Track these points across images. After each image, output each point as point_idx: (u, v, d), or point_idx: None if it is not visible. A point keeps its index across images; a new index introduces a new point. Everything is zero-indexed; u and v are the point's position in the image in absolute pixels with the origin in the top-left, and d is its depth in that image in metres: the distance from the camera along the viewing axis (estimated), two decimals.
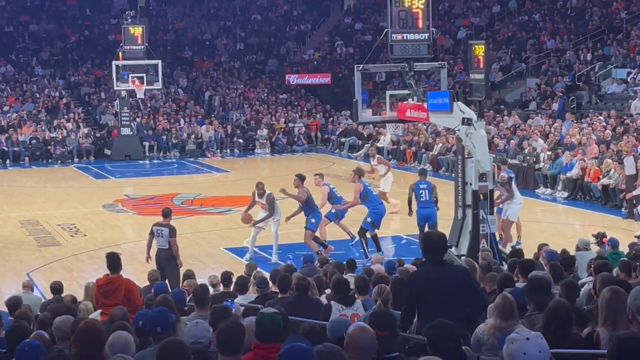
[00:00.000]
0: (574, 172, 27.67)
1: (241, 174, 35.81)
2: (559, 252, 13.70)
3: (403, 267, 12.71)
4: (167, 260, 16.40)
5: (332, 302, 10.08)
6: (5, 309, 11.52)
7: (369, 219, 19.77)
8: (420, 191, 20.17)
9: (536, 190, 29.09)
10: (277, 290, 11.60)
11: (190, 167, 38.59)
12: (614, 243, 14.87)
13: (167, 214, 16.92)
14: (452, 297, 8.34)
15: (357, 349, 6.16)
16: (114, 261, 11.60)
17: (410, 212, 20.71)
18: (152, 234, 16.66)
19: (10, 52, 52.26)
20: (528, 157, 30.30)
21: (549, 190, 28.80)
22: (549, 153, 29.62)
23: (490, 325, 7.63)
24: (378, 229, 19.99)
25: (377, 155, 23.46)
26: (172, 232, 16.52)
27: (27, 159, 39.80)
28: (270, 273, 13.73)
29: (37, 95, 46.89)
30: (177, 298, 10.43)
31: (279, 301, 10.48)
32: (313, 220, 19.94)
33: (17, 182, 34.45)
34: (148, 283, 14.14)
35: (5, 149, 39.97)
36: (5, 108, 44.67)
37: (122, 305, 10.06)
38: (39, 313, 11.39)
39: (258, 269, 15.02)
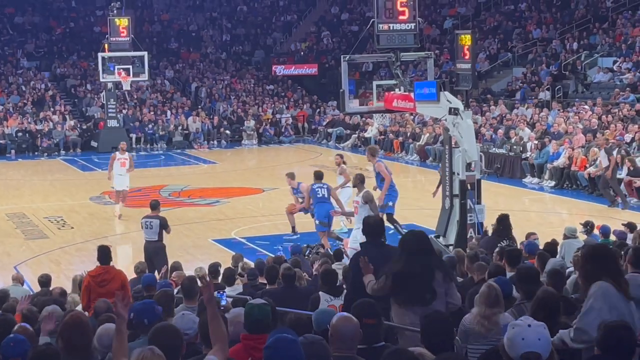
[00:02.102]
0: (561, 161, 27.73)
1: (228, 165, 35.79)
2: (548, 240, 13.74)
3: None
4: (156, 251, 16.55)
5: (320, 292, 10.09)
6: None
7: (390, 203, 19.26)
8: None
9: (523, 180, 29.16)
10: (265, 282, 11.61)
11: (177, 159, 38.53)
12: (605, 231, 14.91)
13: (155, 206, 17.16)
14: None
15: (341, 339, 6.17)
16: (104, 253, 11.70)
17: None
18: (141, 225, 16.89)
19: None
20: (515, 147, 30.36)
21: (535, 180, 28.86)
22: (536, 142, 29.69)
23: (476, 313, 7.66)
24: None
25: (342, 165, 21.98)
26: (164, 223, 16.74)
27: (13, 151, 39.69)
28: (255, 264, 13.75)
29: (23, 88, 46.71)
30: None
31: (267, 292, 10.49)
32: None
33: (3, 175, 34.34)
34: (135, 275, 14.11)
35: None
36: None
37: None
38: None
39: (245, 259, 15.03)
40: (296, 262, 13.47)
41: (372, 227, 9.45)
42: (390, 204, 19.34)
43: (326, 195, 19.52)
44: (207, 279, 9.51)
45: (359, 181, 17.78)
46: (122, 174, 24.64)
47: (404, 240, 8.77)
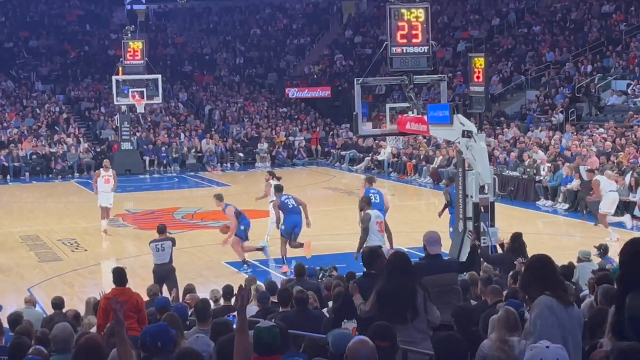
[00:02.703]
0: (575, 184, 27.65)
1: (242, 187, 35.78)
2: (563, 263, 13.67)
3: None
4: (168, 274, 16.77)
5: (332, 314, 10.08)
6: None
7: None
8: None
9: (537, 202, 29.07)
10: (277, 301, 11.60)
11: (190, 181, 38.59)
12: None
13: (163, 230, 17.54)
14: None
15: None
16: (120, 275, 11.74)
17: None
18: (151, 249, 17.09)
19: (10, 68, 52.39)
20: (528, 169, 30.29)
21: (549, 202, 28.77)
22: (549, 165, 29.61)
23: (495, 338, 7.62)
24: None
25: (270, 181, 22.43)
26: (173, 243, 17.24)
27: (27, 174, 39.82)
28: (265, 285, 13.73)
29: (38, 111, 46.95)
30: (179, 312, 10.42)
31: (279, 315, 10.47)
32: (242, 228, 20.14)
33: (17, 198, 34.44)
34: (147, 298, 14.09)
35: (6, 164, 39.99)
36: (6, 124, 44.71)
37: (132, 318, 10.18)
38: (40, 329, 11.36)
39: (258, 282, 15.01)
40: (299, 268, 13.61)
41: (363, 259, 9.77)
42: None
43: (295, 205, 20.30)
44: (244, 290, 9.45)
45: (365, 203, 17.63)
46: (107, 191, 25.65)
47: (389, 262, 9.02)
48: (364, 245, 16.05)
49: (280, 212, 20.54)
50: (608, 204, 23.44)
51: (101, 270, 20.76)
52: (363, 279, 9.52)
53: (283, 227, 20.32)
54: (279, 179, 22.47)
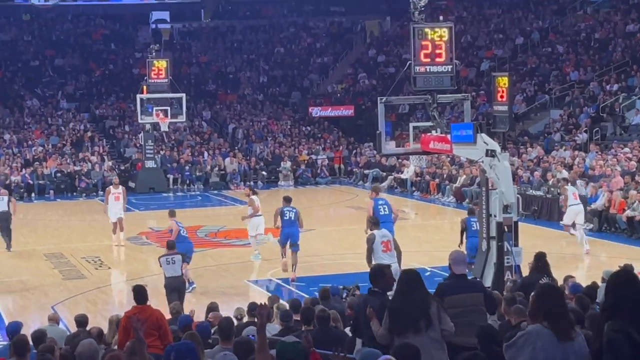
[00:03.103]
0: (600, 204, 27.51)
1: (264, 206, 35.79)
2: (587, 284, 13.60)
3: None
4: (180, 287, 17.43)
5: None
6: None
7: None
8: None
9: (561, 222, 28.90)
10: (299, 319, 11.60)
11: (213, 200, 38.67)
12: None
13: (172, 246, 18.01)
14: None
15: None
16: (140, 293, 11.75)
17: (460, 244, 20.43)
18: (160, 264, 17.56)
19: (36, 86, 52.79)
20: (552, 189, 30.16)
21: None
22: None
23: None
24: None
25: (252, 197, 23.81)
26: (184, 259, 17.92)
27: (52, 192, 40.03)
28: (289, 303, 13.73)
29: (62, 129, 47.23)
30: (201, 331, 10.43)
31: (302, 334, 10.46)
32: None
33: (42, 215, 34.62)
34: (170, 316, 14.12)
35: (31, 182, 40.23)
36: (31, 142, 45.00)
37: (153, 335, 10.20)
38: (64, 347, 11.40)
39: (281, 301, 15.01)
40: (324, 292, 13.59)
41: (369, 275, 9.64)
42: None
43: (293, 218, 21.28)
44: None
45: (372, 224, 17.80)
46: (117, 207, 26.77)
47: (399, 279, 9.05)
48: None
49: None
50: (570, 215, 24.41)
51: (124, 288, 20.81)
52: (368, 297, 9.54)
53: (279, 238, 21.47)
54: (255, 193, 24.29)
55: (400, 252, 18.20)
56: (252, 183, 42.81)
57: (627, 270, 5.99)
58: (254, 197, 23.80)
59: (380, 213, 20.25)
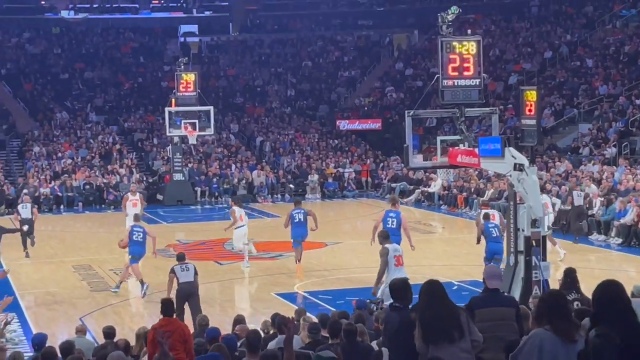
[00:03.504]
0: (629, 219, 27.34)
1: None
2: None
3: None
4: (192, 292, 17.81)
5: (383, 349, 10.02)
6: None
7: None
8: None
9: (589, 237, 28.77)
10: (327, 336, 11.55)
11: None
12: None
13: (183, 257, 18.46)
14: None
15: None
16: (167, 306, 11.79)
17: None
18: (173, 272, 17.90)
19: (65, 99, 53.16)
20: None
21: (602, 237, 28.48)
22: (602, 199, 29.32)
23: None
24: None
25: (233, 207, 25.42)
26: (195, 269, 18.15)
27: (80, 204, 40.25)
28: (318, 318, 13.71)
29: (91, 142, 47.52)
30: (228, 343, 10.44)
31: (329, 347, 10.44)
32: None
33: (70, 227, 34.82)
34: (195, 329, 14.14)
35: (60, 194, 40.49)
36: (60, 154, 45.30)
37: (179, 348, 10.23)
38: (91, 358, 11.45)
39: (307, 314, 14.99)
40: (360, 317, 13.39)
41: (391, 290, 9.50)
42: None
43: (302, 220, 23.19)
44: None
45: (383, 238, 17.82)
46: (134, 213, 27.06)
47: (422, 289, 8.90)
48: (382, 280, 16.99)
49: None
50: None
51: (152, 300, 20.85)
52: (391, 313, 9.44)
53: (292, 240, 23.34)
54: (237, 204, 25.70)
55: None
56: (279, 196, 42.92)
57: (611, 282, 6.14)
58: (235, 207, 25.12)
59: (388, 225, 20.81)
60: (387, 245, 17.35)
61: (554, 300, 6.58)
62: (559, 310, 6.49)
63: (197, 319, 14.53)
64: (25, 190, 35.97)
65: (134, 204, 27.94)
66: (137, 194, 29.22)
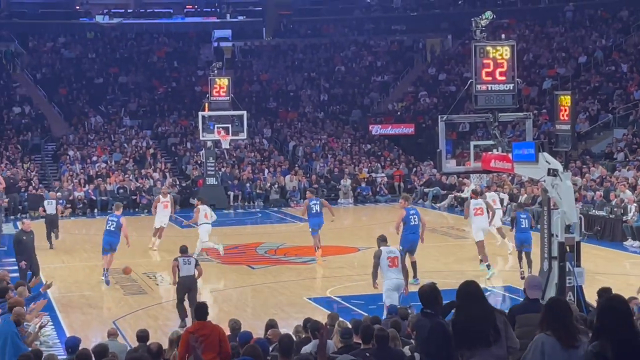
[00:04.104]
0: None
1: (324, 223, 35.86)
2: None
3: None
4: (193, 285, 19.18)
5: (415, 354, 10.00)
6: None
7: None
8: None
9: (624, 243, 28.56)
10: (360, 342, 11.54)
11: (273, 217, 38.79)
12: None
13: (184, 250, 19.67)
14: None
15: None
16: (201, 310, 11.85)
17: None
18: (176, 261, 19.20)
19: (99, 103, 53.50)
20: (615, 209, 29.79)
21: (637, 243, 28.25)
22: (637, 205, 29.09)
23: None
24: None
25: (199, 206, 27.37)
26: (196, 261, 19.60)
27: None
28: (351, 323, 13.70)
29: (125, 146, 47.78)
30: (261, 347, 10.44)
31: (361, 352, 10.43)
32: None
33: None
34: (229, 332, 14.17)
35: (94, 198, 40.74)
36: (94, 158, 45.59)
37: (214, 351, 10.31)
38: None
39: (340, 319, 14.98)
40: (395, 322, 13.37)
41: (421, 296, 9.28)
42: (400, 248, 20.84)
43: (319, 210, 25.99)
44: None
45: (380, 240, 18.16)
46: (165, 215, 29.39)
47: (459, 290, 8.80)
48: (378, 280, 17.88)
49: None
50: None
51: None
52: (422, 318, 9.32)
53: (310, 229, 26.02)
54: (204, 203, 27.31)
55: (407, 271, 18.69)
56: (351, 202, 42.92)
57: (615, 297, 6.45)
58: (200, 206, 26.97)
59: (411, 223, 21.76)
60: (381, 248, 17.76)
61: (555, 307, 6.95)
62: (558, 317, 6.83)
63: (230, 322, 14.55)
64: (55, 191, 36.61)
65: (165, 205, 29.31)
66: (168, 195, 30.59)
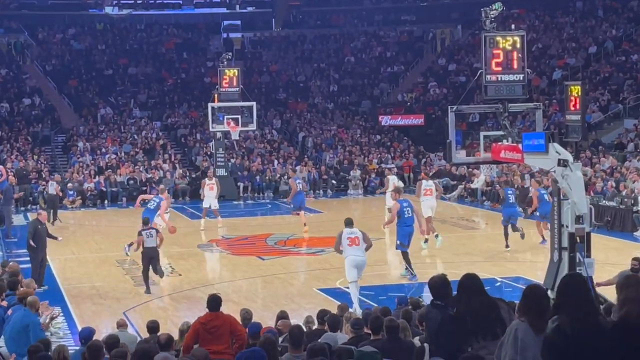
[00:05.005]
0: None
1: (334, 214, 35.81)
2: None
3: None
4: (155, 255, 21.63)
5: (425, 344, 9.99)
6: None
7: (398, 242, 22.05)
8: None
9: (634, 233, 28.49)
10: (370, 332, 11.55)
11: (283, 208, 38.75)
12: None
13: (146, 222, 22.30)
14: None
15: None
16: (214, 301, 11.91)
17: None
18: (140, 235, 21.75)
19: (109, 95, 53.55)
20: (626, 199, 29.72)
21: None
22: None
23: None
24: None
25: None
26: (157, 231, 22.13)
27: (124, 199, 40.48)
28: (362, 314, 13.71)
29: (135, 137, 47.83)
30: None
31: (371, 343, 10.44)
32: None
33: (114, 222, 35.08)
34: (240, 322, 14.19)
35: (104, 189, 40.82)
36: (104, 149, 45.66)
37: (227, 342, 10.40)
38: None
39: (350, 309, 15.00)
40: (406, 313, 13.37)
41: (431, 288, 9.31)
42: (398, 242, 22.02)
43: (302, 188, 30.23)
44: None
45: (346, 223, 19.45)
46: (211, 196, 31.67)
47: (460, 283, 8.84)
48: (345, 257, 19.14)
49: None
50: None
51: (195, 295, 20.99)
52: (432, 310, 9.31)
53: (298, 204, 29.94)
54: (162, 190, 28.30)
55: (370, 245, 19.58)
56: (321, 192, 42.92)
57: (573, 274, 7.25)
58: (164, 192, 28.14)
59: (405, 215, 21.97)
60: (344, 230, 19.18)
61: (531, 295, 7.09)
62: (533, 305, 6.98)
63: (241, 312, 14.55)
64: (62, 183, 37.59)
65: (210, 187, 31.67)
66: (214, 178, 32.65)
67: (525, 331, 6.86)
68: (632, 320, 5.90)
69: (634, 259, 17.17)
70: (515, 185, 36.44)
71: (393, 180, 30.53)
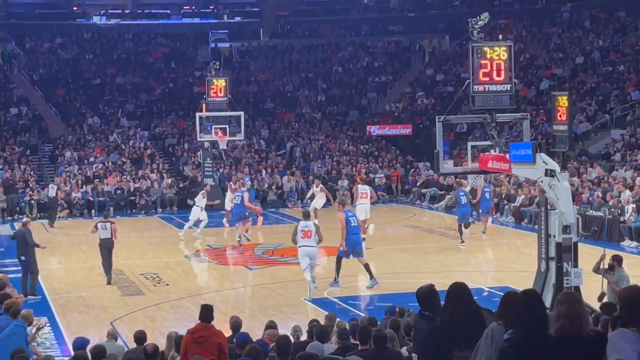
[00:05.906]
0: None
1: (322, 224, 35.72)
2: None
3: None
4: (110, 246, 23.70)
5: (413, 354, 9.99)
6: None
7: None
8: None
9: (621, 243, 28.56)
10: (358, 342, 11.54)
11: (271, 218, 38.73)
12: None
13: (107, 215, 25.55)
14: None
15: None
16: (206, 311, 11.87)
17: None
18: (96, 227, 23.91)
19: (97, 104, 53.44)
20: (612, 210, 29.80)
21: (634, 243, 28.26)
22: (634, 205, 29.10)
23: None
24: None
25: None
26: (112, 223, 23.97)
27: (111, 209, 40.35)
28: (349, 324, 13.70)
29: (123, 147, 47.75)
30: (260, 348, 10.46)
31: (359, 353, 10.43)
32: None
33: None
34: (230, 332, 14.15)
35: (91, 199, 40.71)
36: (92, 159, 45.55)
37: (213, 355, 10.34)
38: None
39: (338, 319, 14.98)
40: (395, 322, 13.37)
41: (418, 298, 9.17)
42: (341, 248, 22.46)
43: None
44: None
45: (303, 215, 22.14)
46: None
47: (448, 292, 8.80)
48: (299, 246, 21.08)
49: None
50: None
51: (182, 305, 20.95)
52: (420, 320, 9.29)
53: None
54: None
55: (321, 239, 21.44)
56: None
57: (528, 291, 7.24)
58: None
59: (352, 225, 22.38)
60: (301, 222, 21.46)
61: (507, 301, 7.26)
62: (509, 309, 7.07)
63: (231, 320, 14.49)
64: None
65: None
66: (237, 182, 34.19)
67: (501, 333, 6.96)
68: (565, 334, 6.39)
69: (613, 257, 17.38)
70: (503, 195, 36.60)
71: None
